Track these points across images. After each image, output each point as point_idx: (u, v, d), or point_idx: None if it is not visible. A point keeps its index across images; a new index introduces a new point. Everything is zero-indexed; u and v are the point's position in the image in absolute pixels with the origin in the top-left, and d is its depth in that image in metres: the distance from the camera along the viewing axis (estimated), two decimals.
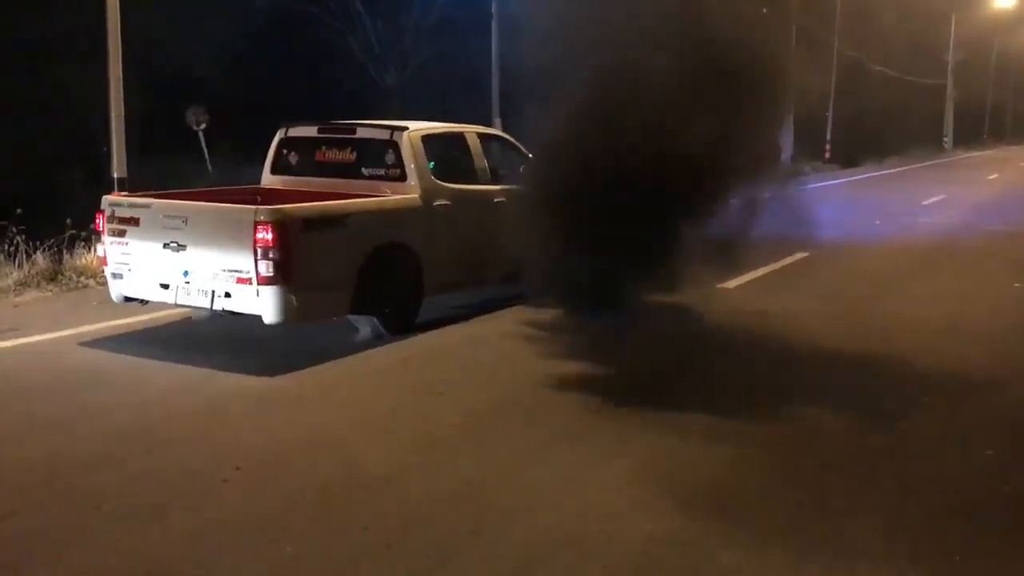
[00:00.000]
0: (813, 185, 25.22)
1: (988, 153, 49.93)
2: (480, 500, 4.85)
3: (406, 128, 8.82)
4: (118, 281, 8.04)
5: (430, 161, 8.82)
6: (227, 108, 24.69)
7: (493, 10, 26.28)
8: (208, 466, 5.25)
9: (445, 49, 29.71)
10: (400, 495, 4.89)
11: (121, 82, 11.50)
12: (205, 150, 22.91)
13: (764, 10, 8.99)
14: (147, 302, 8.12)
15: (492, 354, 7.74)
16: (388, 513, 4.67)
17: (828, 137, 35.42)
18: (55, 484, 4.98)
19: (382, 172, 8.81)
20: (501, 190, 9.66)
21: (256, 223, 7.17)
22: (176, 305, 7.79)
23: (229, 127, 23.62)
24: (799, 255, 12.51)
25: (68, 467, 5.21)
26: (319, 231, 7.49)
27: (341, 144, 9.08)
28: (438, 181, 8.81)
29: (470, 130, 9.67)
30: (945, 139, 51.92)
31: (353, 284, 7.69)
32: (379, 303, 7.89)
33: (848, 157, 35.18)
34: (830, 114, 34.83)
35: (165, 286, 7.76)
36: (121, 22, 11.41)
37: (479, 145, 9.61)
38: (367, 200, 8.21)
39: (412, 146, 8.68)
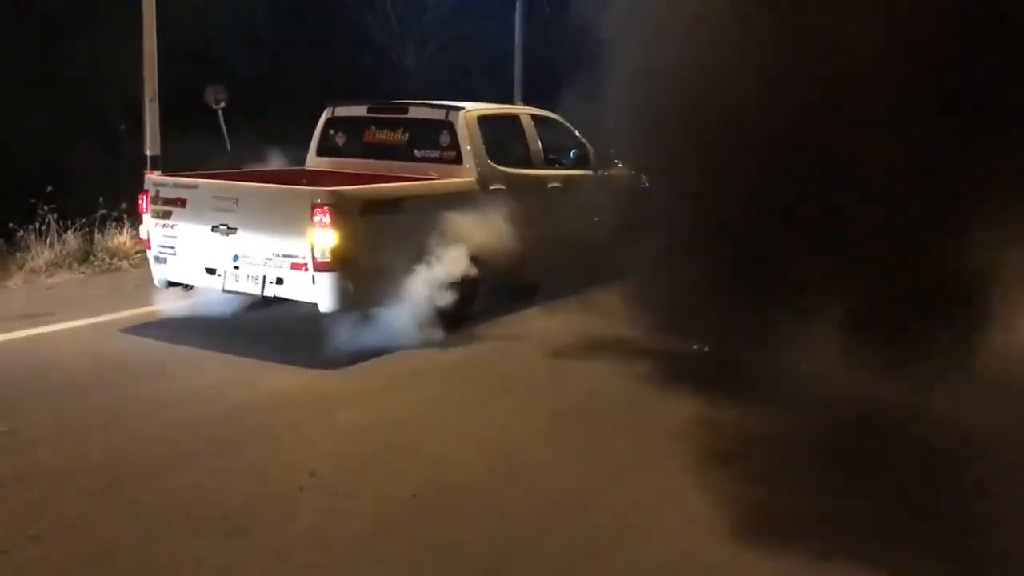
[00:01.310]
0: None
1: None
2: (584, 517, 4.43)
3: (462, 108, 8.37)
4: (161, 265, 7.61)
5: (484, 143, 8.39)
6: (246, 87, 24.27)
7: None
8: (280, 471, 4.84)
9: (465, 30, 29.19)
10: (496, 508, 4.48)
11: (155, 57, 11.05)
12: (224, 129, 22.44)
13: None
14: (192, 287, 7.71)
15: (558, 350, 7.31)
16: (487, 530, 4.26)
17: None
18: (118, 491, 4.56)
19: (436, 154, 8.37)
20: (556, 175, 9.24)
21: (314, 205, 6.74)
22: (224, 291, 7.35)
23: (248, 107, 23.20)
24: None
25: (130, 470, 4.80)
26: (378, 215, 7.06)
27: (392, 125, 8.63)
28: (494, 165, 8.37)
29: (524, 112, 9.22)
30: None
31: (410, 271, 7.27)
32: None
33: None
34: None
35: (212, 271, 7.34)
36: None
37: (533, 128, 9.15)
38: (425, 183, 7.77)
39: (468, 127, 8.24)
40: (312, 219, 6.74)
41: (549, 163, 9.36)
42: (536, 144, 9.09)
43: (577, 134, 9.88)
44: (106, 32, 21.00)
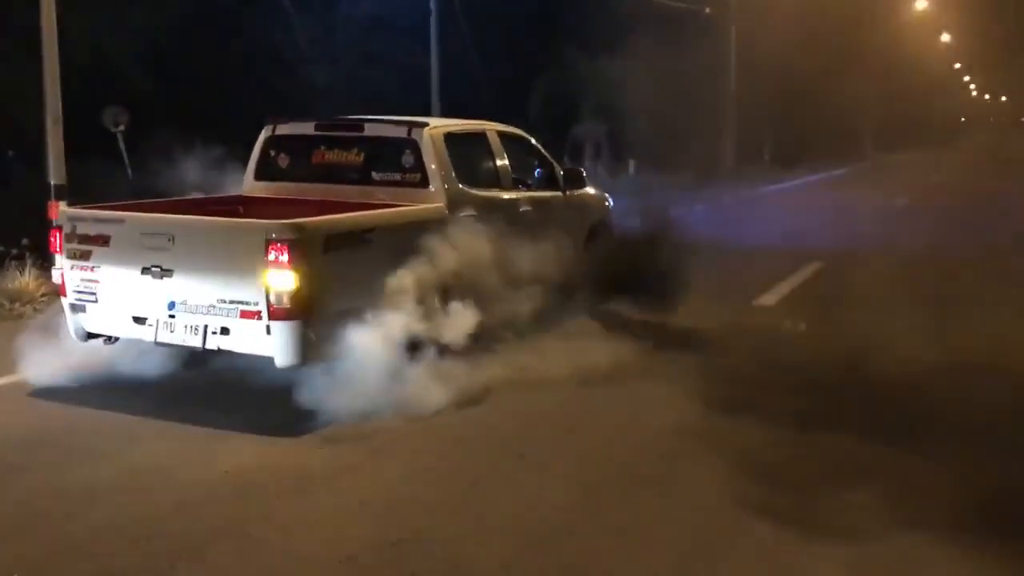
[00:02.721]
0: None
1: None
2: None
3: (426, 124, 7.37)
4: (79, 314, 6.40)
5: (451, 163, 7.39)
6: (146, 108, 22.76)
7: (432, 6, 24.86)
8: None
9: (378, 47, 28.17)
10: None
11: (57, 73, 9.76)
12: (124, 153, 20.93)
13: None
14: (116, 340, 6.51)
15: (564, 395, 6.35)
16: None
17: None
18: None
19: (397, 177, 7.34)
20: (526, 197, 8.31)
21: (269, 242, 5.66)
22: (156, 344, 6.18)
23: (149, 129, 21.74)
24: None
25: None
26: (344, 250, 6.01)
27: (345, 144, 7.56)
28: (464, 187, 7.39)
29: (491, 127, 8.26)
30: None
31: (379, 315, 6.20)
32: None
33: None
34: None
35: (141, 320, 6.18)
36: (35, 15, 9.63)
37: (501, 145, 8.20)
38: (394, 211, 6.74)
39: (434, 145, 7.23)
40: (267, 258, 5.66)
41: (516, 184, 8.43)
42: (505, 163, 8.15)
43: (543, 151, 8.98)
44: None
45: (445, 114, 22.15)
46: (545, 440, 5.53)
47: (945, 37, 59.99)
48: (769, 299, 9.81)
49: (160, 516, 4.42)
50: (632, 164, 26.79)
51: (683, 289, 8.48)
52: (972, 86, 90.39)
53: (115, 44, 23.35)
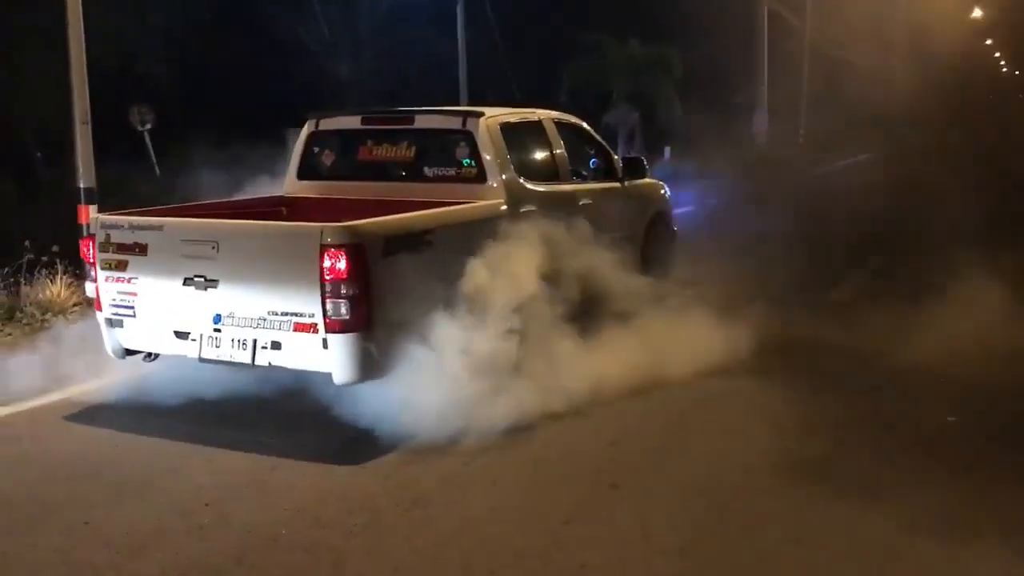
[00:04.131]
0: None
1: None
2: None
3: (481, 114, 6.79)
4: (116, 330, 5.88)
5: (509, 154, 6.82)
6: (173, 106, 22.35)
7: None
8: None
9: (402, 38, 27.64)
10: None
11: (85, 73, 9.25)
12: (152, 152, 20.59)
13: None
14: (156, 356, 6.00)
15: (660, 406, 5.78)
16: None
17: None
18: None
19: (452, 172, 6.79)
20: (586, 190, 7.73)
21: (323, 247, 5.12)
22: (201, 360, 5.65)
23: (175, 127, 21.36)
24: None
25: None
26: (405, 253, 5.46)
27: (394, 138, 7.01)
28: (523, 181, 6.82)
29: (547, 116, 7.68)
30: None
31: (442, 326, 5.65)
32: None
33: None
34: None
35: (184, 335, 5.66)
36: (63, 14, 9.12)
37: (558, 135, 7.62)
38: (455, 209, 6.17)
39: (491, 136, 6.67)
40: (322, 264, 5.12)
41: (573, 175, 7.85)
42: (563, 153, 7.57)
43: (600, 139, 8.39)
44: (16, 50, 18.97)
45: (472, 103, 21.55)
46: (639, 468, 4.94)
47: (976, 12, 58.85)
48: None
49: (220, 569, 3.89)
50: (667, 150, 26.10)
51: None
52: (1003, 63, 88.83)
53: (139, 44, 22.97)
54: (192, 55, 24.81)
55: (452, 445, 5.13)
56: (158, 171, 20.22)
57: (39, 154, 20.58)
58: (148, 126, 20.32)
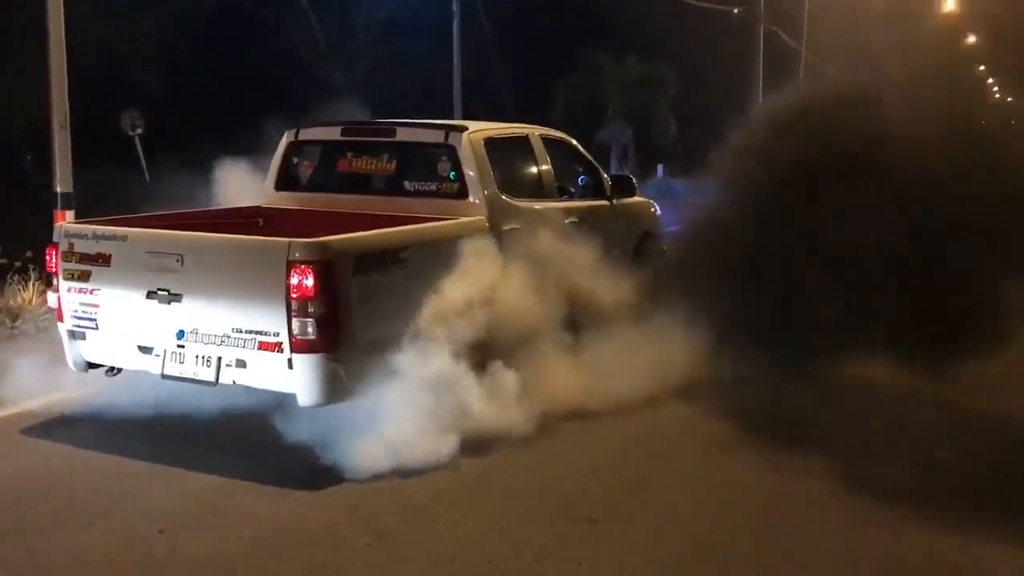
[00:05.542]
0: None
1: None
2: None
3: (464, 128, 6.61)
4: (78, 342, 5.68)
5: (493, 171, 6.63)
6: (164, 112, 22.15)
7: (455, 8, 24.14)
8: None
9: (398, 49, 27.50)
10: None
11: (65, 76, 9.06)
12: (142, 157, 20.40)
13: None
14: (119, 371, 5.79)
15: (641, 432, 5.57)
16: None
17: None
18: None
19: (432, 187, 6.61)
20: (573, 208, 7.54)
21: (290, 264, 4.92)
22: (163, 376, 5.44)
23: (166, 133, 21.19)
24: None
25: None
26: (377, 272, 5.27)
27: (374, 150, 6.83)
28: (506, 198, 6.63)
29: (534, 132, 7.50)
30: None
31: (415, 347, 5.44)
32: None
33: None
34: None
35: (147, 350, 5.45)
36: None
37: (545, 152, 7.44)
38: (432, 226, 5.98)
39: (474, 151, 6.48)
40: (289, 281, 4.92)
41: (560, 192, 7.67)
42: (549, 170, 7.39)
43: (588, 156, 8.22)
44: (5, 52, 18.78)
45: (466, 117, 21.42)
46: (616, 497, 4.74)
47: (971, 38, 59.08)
48: None
49: None
50: (660, 167, 26.01)
51: None
52: (995, 89, 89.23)
53: (130, 49, 22.81)
54: (186, 63, 24.64)
55: (420, 473, 4.91)
56: (147, 176, 20.03)
57: (28, 158, 20.39)
58: (139, 131, 20.13)
